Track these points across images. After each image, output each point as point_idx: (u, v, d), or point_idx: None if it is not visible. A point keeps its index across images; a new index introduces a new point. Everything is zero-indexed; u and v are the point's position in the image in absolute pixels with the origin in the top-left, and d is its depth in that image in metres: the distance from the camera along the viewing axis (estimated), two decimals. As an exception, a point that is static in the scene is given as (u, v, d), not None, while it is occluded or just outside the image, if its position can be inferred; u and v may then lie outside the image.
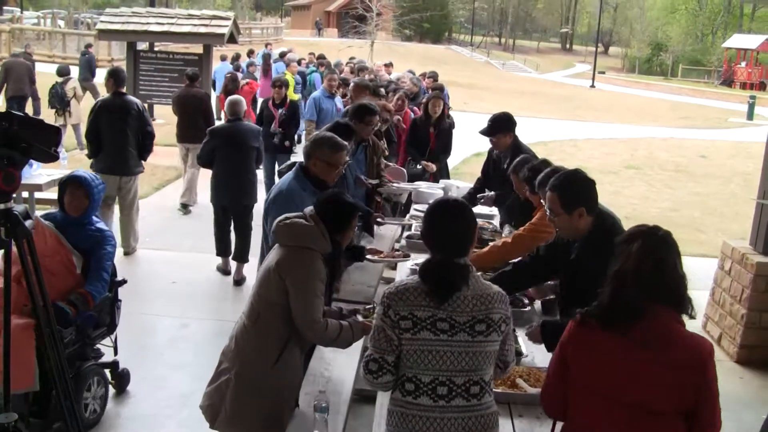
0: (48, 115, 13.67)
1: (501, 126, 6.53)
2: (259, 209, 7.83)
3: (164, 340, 6.74)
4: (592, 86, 44.74)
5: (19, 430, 2.70)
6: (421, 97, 11.29)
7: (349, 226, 3.91)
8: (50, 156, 2.76)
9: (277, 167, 9.29)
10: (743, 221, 11.60)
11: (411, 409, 2.95)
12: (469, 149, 15.33)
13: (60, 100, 13.80)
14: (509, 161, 6.10)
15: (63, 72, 14.09)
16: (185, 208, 10.93)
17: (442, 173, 9.03)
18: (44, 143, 2.67)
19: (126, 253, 8.69)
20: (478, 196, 6.84)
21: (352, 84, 10.05)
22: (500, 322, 2.96)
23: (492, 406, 3.03)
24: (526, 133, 19.97)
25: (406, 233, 6.53)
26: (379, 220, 6.58)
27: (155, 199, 11.84)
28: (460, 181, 8.92)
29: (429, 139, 8.91)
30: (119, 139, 8.34)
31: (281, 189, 4.76)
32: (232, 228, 8.28)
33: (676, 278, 2.82)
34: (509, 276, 4.46)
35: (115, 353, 5.23)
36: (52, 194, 8.07)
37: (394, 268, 5.84)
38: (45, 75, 17.62)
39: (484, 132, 6.67)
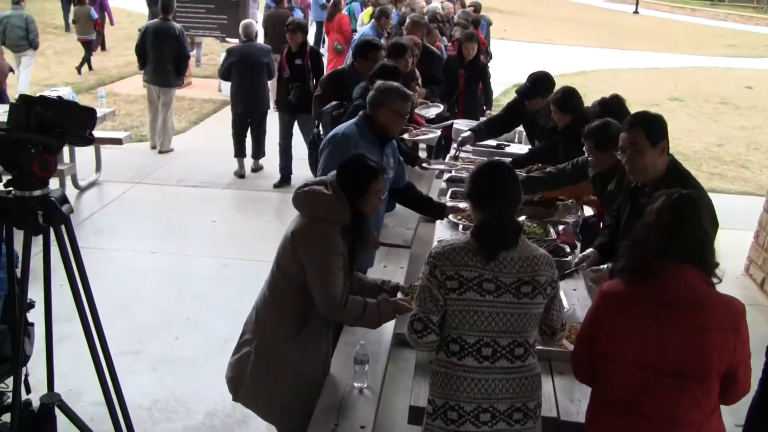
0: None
1: (540, 89, 6.25)
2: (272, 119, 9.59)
3: (204, 281, 6.79)
4: (636, 12, 43.50)
5: (62, 409, 2.72)
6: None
7: (370, 192, 3.58)
8: (85, 140, 2.68)
9: (300, 128, 9.10)
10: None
11: (456, 370, 2.94)
12: (508, 80, 15.00)
13: None
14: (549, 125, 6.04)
15: None
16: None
17: (474, 113, 8.73)
18: (79, 127, 2.59)
19: (161, 152, 10.59)
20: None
21: (408, 20, 8.95)
22: (546, 285, 2.93)
23: (536, 368, 3.02)
24: (566, 62, 19.79)
25: (446, 175, 6.38)
26: (425, 165, 6.41)
27: (190, 136, 11.82)
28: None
29: (458, 80, 8.68)
30: (160, 56, 10.26)
31: (338, 131, 4.65)
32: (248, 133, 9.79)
33: (699, 236, 2.80)
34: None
35: (28, 392, 3.92)
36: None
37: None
38: None
39: (523, 92, 6.41)
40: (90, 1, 16.48)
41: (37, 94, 2.56)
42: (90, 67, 16.35)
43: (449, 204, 5.33)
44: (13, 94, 13.29)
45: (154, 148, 10.78)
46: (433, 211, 5.28)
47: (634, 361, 2.77)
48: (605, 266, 4.08)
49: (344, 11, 14.73)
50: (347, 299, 3.52)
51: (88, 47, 16.30)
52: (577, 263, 4.35)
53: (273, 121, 9.63)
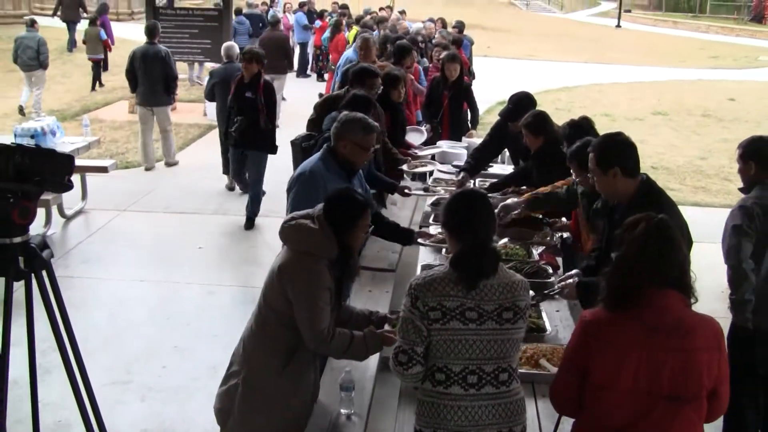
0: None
1: (521, 111, 6.28)
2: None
3: (192, 308, 6.80)
4: (618, 26, 43.79)
5: None
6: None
7: (357, 226, 3.57)
8: (64, 186, 2.70)
9: (247, 166, 8.95)
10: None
11: (442, 399, 2.97)
12: (492, 97, 15.08)
13: None
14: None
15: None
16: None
17: (459, 134, 8.77)
18: (57, 173, 2.61)
19: (168, 164, 11.38)
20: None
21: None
22: (525, 309, 3.01)
23: (519, 392, 3.06)
24: (550, 78, 19.91)
25: (430, 200, 6.43)
26: (406, 191, 6.44)
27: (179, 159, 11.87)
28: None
29: (442, 102, 8.72)
30: (150, 78, 10.78)
31: (305, 169, 4.60)
32: None
33: (681, 259, 2.83)
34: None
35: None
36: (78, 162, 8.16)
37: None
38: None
39: (505, 115, 6.48)
40: (100, 24, 17.45)
41: (15, 140, 2.58)
42: (101, 84, 17.31)
43: (417, 230, 5.34)
44: (29, 114, 13.63)
45: (148, 170, 11.12)
46: (401, 236, 5.24)
47: (629, 389, 2.78)
48: (572, 280, 4.18)
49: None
50: (334, 333, 3.51)
51: (98, 66, 17.29)
52: (561, 287, 4.36)
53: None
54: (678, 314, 2.81)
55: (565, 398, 2.99)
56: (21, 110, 14.07)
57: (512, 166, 7.29)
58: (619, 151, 3.96)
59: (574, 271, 4.41)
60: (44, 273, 2.44)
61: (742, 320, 4.46)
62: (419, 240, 5.18)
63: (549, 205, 5.32)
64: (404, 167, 6.88)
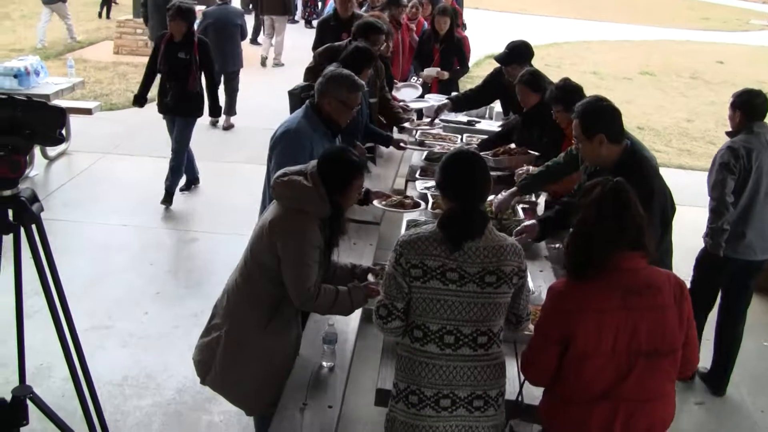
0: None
1: (517, 57, 6.30)
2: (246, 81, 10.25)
3: (174, 255, 6.80)
4: (609, -19, 43.48)
5: (34, 402, 2.76)
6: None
7: (351, 188, 3.55)
8: (55, 140, 2.66)
9: (175, 133, 7.82)
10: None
11: (418, 356, 3.00)
12: (481, 51, 14.97)
13: None
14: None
15: None
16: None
17: (449, 90, 8.73)
18: (48, 127, 2.57)
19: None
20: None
21: None
22: (512, 275, 2.97)
23: (499, 357, 3.07)
24: (539, 33, 19.78)
25: (425, 154, 6.41)
26: (402, 144, 6.39)
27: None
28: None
29: (433, 56, 8.62)
30: (160, 13, 10.13)
31: (289, 127, 4.46)
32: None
33: (639, 220, 2.89)
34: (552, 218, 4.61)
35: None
36: (61, 102, 8.08)
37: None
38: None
39: (500, 59, 6.48)
40: None
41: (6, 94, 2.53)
42: (108, 15, 18.00)
43: (374, 190, 5.17)
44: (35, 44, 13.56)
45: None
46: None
47: (609, 352, 2.83)
48: (533, 221, 4.42)
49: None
50: (320, 290, 3.51)
51: None
52: (518, 232, 4.45)
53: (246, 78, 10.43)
54: (646, 273, 2.89)
55: (541, 370, 3.01)
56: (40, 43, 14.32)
57: (499, 122, 7.31)
58: (604, 117, 3.98)
59: (531, 222, 4.56)
60: (34, 227, 2.42)
61: (715, 247, 5.02)
62: (375, 202, 5.02)
63: (541, 184, 5.24)
64: (406, 125, 6.95)
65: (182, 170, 7.93)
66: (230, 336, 3.58)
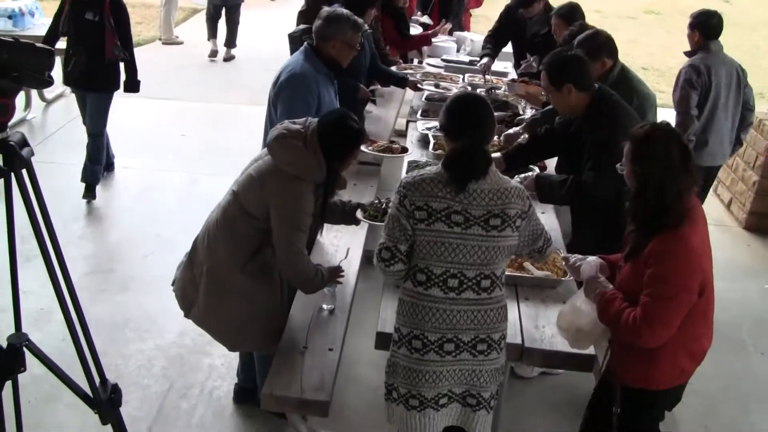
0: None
1: None
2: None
3: (174, 197, 6.76)
4: None
5: (30, 349, 2.73)
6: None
7: (350, 155, 3.51)
8: (44, 82, 2.57)
9: (89, 111, 6.53)
10: (764, 76, 11.34)
11: (422, 300, 2.97)
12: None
13: None
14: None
15: None
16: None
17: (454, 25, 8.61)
18: (36, 69, 2.47)
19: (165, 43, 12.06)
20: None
21: None
22: (516, 218, 2.93)
23: (501, 300, 3.05)
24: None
25: (426, 94, 6.34)
26: (419, 86, 6.34)
27: (158, 45, 11.64)
28: (474, 34, 8.63)
29: None
30: None
31: (294, 71, 4.36)
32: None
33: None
34: (514, 153, 4.66)
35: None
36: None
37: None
38: None
39: (519, 2, 6.46)
40: None
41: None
42: None
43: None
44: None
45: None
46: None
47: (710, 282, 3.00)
48: (531, 173, 4.42)
49: None
50: (306, 259, 3.49)
51: None
52: (521, 180, 4.42)
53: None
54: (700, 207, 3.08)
55: (675, 327, 2.90)
56: None
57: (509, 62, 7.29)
58: (571, 67, 4.04)
59: (497, 155, 4.52)
60: (24, 172, 2.36)
61: None
62: (362, 147, 4.96)
63: (550, 120, 5.22)
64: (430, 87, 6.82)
65: (102, 156, 6.71)
66: (212, 275, 3.59)
